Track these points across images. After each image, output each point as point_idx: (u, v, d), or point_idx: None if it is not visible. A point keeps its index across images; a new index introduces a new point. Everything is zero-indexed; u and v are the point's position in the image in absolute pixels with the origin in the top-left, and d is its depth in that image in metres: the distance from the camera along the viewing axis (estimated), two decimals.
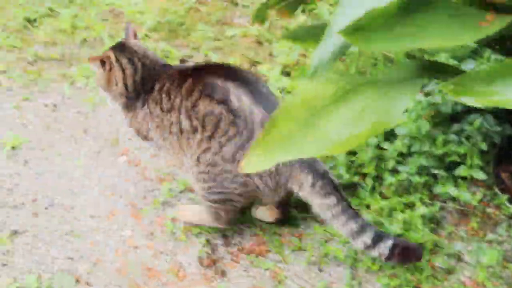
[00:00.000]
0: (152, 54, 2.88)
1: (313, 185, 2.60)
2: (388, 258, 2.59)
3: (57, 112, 3.68)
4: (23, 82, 3.85)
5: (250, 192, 2.69)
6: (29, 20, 4.20)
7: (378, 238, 2.57)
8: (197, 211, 2.91)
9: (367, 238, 2.58)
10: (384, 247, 2.57)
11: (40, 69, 3.93)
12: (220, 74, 2.68)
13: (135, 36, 2.91)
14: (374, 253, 2.60)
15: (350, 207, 2.60)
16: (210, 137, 2.64)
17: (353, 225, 2.58)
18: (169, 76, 2.79)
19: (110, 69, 2.83)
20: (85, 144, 3.48)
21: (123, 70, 2.82)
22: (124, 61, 2.82)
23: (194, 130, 2.67)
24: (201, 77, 2.69)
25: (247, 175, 2.61)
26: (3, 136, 3.49)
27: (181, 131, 2.71)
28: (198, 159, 2.68)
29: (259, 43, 4.02)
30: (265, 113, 2.59)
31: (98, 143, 3.48)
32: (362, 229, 2.58)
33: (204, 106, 2.64)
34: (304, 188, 2.62)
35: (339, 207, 2.59)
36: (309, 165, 2.61)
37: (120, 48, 2.86)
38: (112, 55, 2.84)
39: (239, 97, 2.61)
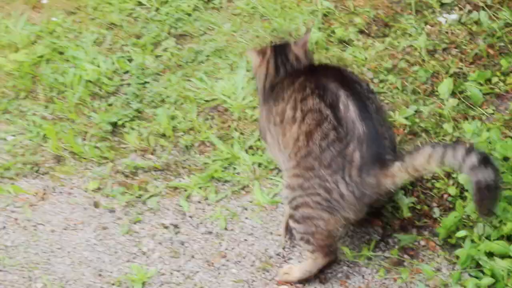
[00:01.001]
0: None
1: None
2: None
3: (181, 234, 3.16)
4: (126, 199, 3.34)
5: (333, 202, 2.62)
6: (115, 125, 3.69)
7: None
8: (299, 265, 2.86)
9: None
10: None
11: (142, 182, 3.44)
12: (335, 79, 2.71)
13: (305, 45, 2.91)
14: None
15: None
16: (307, 135, 2.64)
17: None
18: (288, 74, 2.85)
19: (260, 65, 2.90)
20: (230, 274, 2.97)
21: (267, 70, 2.89)
22: (273, 62, 2.88)
23: (293, 121, 2.67)
24: (316, 76, 2.74)
25: (335, 181, 2.59)
26: (125, 271, 2.98)
27: (281, 121, 2.72)
28: (298, 164, 2.67)
29: None
30: (365, 131, 2.59)
31: (247, 271, 2.97)
32: None
33: (313, 102, 2.65)
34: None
35: None
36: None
37: (280, 48, 2.91)
38: (269, 52, 2.91)
39: (347, 107, 2.62)
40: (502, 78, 3.56)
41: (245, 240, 3.12)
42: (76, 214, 3.33)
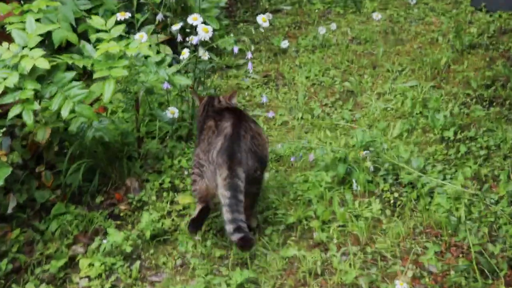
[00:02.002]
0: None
1: None
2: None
3: None
4: None
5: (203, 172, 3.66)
6: None
7: None
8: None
9: None
10: None
11: None
12: (233, 115, 3.72)
13: (231, 97, 3.96)
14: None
15: None
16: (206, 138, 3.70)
17: None
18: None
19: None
20: None
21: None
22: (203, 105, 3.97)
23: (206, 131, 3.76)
24: (223, 113, 3.80)
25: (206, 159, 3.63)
26: None
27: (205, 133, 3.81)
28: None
29: None
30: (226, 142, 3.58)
31: None
32: None
33: (211, 123, 3.74)
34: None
35: None
36: None
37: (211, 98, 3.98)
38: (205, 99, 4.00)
39: (227, 127, 3.64)
40: None
41: None
42: None
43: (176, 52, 4.62)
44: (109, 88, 3.61)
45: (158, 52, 4.56)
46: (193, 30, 4.12)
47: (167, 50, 5.06)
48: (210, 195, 3.56)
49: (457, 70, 5.24)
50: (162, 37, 5.12)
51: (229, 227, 3.32)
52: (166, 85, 4.19)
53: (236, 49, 4.49)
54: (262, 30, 4.69)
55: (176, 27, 4.36)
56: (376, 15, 6.26)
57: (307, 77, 5.41)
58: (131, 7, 4.80)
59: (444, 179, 3.88)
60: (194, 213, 3.61)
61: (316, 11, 6.77)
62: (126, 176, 4.11)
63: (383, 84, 5.21)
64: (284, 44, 5.90)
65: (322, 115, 4.86)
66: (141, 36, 4.02)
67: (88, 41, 4.05)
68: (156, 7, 4.98)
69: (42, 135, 3.79)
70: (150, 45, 4.06)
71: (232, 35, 5.39)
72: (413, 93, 4.92)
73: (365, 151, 4.07)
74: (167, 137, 4.48)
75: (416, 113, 4.67)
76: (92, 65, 3.70)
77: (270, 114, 4.65)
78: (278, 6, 6.99)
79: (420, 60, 5.43)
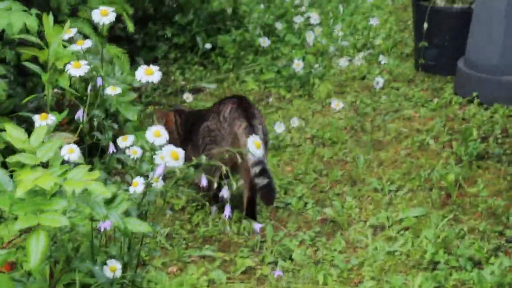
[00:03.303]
0: None
1: None
2: None
3: None
4: None
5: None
6: None
7: None
8: None
9: None
10: None
11: None
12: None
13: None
14: None
15: None
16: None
17: None
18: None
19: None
20: None
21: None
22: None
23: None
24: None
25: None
26: None
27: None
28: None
29: None
30: None
31: None
32: None
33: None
34: None
35: None
36: None
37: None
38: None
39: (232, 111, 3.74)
40: None
41: None
42: None
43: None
44: (38, 247, 2.35)
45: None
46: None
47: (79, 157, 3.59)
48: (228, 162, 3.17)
49: (471, 192, 4.04)
50: (67, 136, 3.72)
51: (253, 170, 3.40)
52: (105, 225, 2.73)
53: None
54: None
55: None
56: (336, 104, 4.99)
57: None
58: None
59: None
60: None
61: (249, 92, 5.43)
62: None
63: (375, 210, 3.96)
64: None
65: (301, 259, 3.56)
66: (71, 151, 2.79)
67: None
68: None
69: None
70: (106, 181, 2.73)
71: None
72: (424, 227, 3.69)
73: None
74: None
75: (439, 261, 3.49)
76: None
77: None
78: (198, 83, 5.61)
79: (417, 176, 4.20)
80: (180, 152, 2.75)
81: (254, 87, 5.50)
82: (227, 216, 2.98)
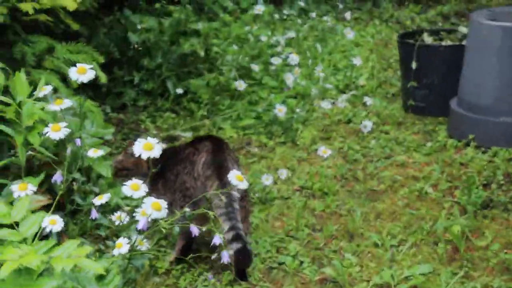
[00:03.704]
0: None
1: None
2: None
3: None
4: None
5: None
6: None
7: None
8: None
9: None
10: None
11: None
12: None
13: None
14: None
15: None
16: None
17: None
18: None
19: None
20: None
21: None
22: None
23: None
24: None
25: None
26: None
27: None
28: None
29: None
30: None
31: None
32: None
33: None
34: None
35: None
36: None
37: None
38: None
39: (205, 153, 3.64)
40: None
41: None
42: None
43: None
44: None
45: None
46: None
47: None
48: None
49: (480, 245, 3.76)
50: (40, 199, 3.41)
51: (227, 236, 3.31)
52: None
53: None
54: None
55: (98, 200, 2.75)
56: (323, 151, 4.70)
57: (255, 254, 3.77)
58: None
59: None
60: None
61: (228, 140, 5.11)
62: None
63: (377, 268, 3.66)
64: None
65: None
66: (53, 222, 2.53)
67: None
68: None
69: None
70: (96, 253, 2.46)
71: None
72: (433, 286, 3.43)
73: None
74: None
75: None
76: None
77: None
78: (172, 132, 5.29)
79: (419, 229, 3.91)
80: (162, 202, 2.72)
81: (233, 134, 5.20)
82: (225, 262, 3.01)
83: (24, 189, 2.61)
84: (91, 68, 2.94)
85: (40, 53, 3.94)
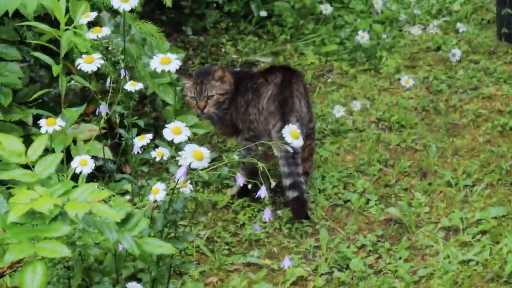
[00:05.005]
0: None
1: None
2: None
3: None
4: None
5: None
6: None
7: None
8: None
9: None
10: None
11: None
12: None
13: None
14: None
15: None
16: None
17: None
18: None
19: None
20: None
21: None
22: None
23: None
24: None
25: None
26: None
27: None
28: None
29: None
30: None
31: None
32: None
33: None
34: None
35: None
36: None
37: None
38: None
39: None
40: None
41: None
42: None
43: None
44: (34, 282, 2.02)
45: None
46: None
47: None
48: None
49: None
50: (92, 128, 3.45)
51: (285, 181, 3.44)
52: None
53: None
54: None
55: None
56: (406, 81, 4.60)
57: (320, 190, 3.75)
58: None
59: None
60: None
61: (309, 67, 5.06)
62: None
63: (447, 209, 3.60)
64: None
65: (360, 269, 3.25)
66: (83, 163, 2.56)
67: None
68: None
69: None
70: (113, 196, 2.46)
71: None
72: (505, 231, 3.33)
73: None
74: None
75: None
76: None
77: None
78: (251, 56, 5.26)
79: (498, 168, 3.81)
80: (205, 151, 2.48)
81: (314, 60, 5.13)
82: (267, 220, 2.76)
83: (52, 125, 2.59)
84: None
85: None
